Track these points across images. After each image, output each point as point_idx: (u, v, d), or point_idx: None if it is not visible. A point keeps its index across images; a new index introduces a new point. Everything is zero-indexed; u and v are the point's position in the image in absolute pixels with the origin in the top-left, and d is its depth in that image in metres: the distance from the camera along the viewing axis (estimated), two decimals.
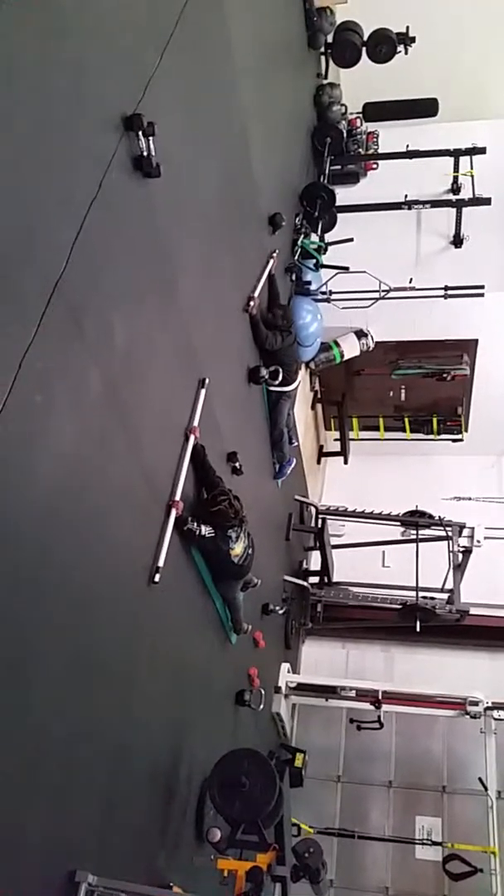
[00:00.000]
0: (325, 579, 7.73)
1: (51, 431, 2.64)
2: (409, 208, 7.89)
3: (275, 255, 6.20)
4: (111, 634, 3.20)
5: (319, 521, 7.79)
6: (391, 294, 7.27)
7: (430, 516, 7.55)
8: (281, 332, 5.99)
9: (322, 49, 8.52)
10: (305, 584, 7.53)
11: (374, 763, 7.75)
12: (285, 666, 6.96)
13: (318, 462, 9.72)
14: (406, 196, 7.88)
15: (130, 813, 3.46)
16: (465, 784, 7.37)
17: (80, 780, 2.88)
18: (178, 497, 3.95)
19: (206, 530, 4.14)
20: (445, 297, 7.35)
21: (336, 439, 9.74)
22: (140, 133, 3.19)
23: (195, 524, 4.05)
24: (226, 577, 4.62)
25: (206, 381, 4.49)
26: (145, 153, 3.24)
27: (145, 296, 3.56)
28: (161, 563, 3.66)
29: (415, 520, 7.56)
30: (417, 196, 8.00)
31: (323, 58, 8.71)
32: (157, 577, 3.62)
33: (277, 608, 6.34)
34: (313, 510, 8.08)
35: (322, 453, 9.85)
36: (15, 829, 2.38)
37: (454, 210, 7.91)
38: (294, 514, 7.83)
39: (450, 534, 7.34)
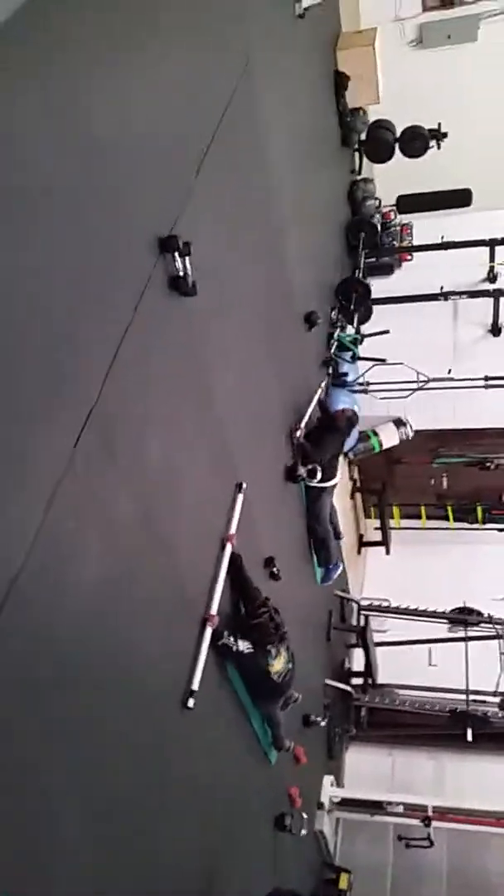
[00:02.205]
0: (369, 681, 7.35)
1: (81, 562, 2.53)
2: (446, 299, 7.84)
3: (322, 385, 6.39)
4: (137, 761, 2.98)
5: (362, 619, 7.47)
6: (430, 385, 7.15)
7: (479, 613, 7.20)
8: (341, 435, 5.97)
9: (356, 146, 8.72)
10: (349, 688, 7.16)
11: (424, 883, 7.16)
12: (328, 779, 6.55)
13: (359, 552, 9.45)
14: (442, 287, 7.85)
15: None
16: None
17: None
18: (213, 611, 3.78)
19: (243, 646, 3.93)
20: (486, 387, 7.20)
21: (377, 528, 9.48)
22: (176, 254, 3.18)
23: (231, 639, 3.85)
24: (265, 695, 4.37)
25: (244, 485, 4.37)
26: (181, 273, 3.22)
27: (181, 410, 3.49)
28: (196, 685, 3.46)
29: (463, 617, 7.21)
30: (453, 286, 7.95)
31: (357, 154, 8.91)
32: (191, 702, 3.41)
33: (319, 719, 5.98)
34: (355, 606, 7.77)
35: (362, 543, 9.57)
36: None
37: (492, 299, 7.84)
38: (334, 610, 7.53)
39: (500, 633, 6.97)
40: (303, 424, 5.67)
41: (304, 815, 5.14)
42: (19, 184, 2.16)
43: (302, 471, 5.60)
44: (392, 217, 8.80)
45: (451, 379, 7.16)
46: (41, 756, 2.29)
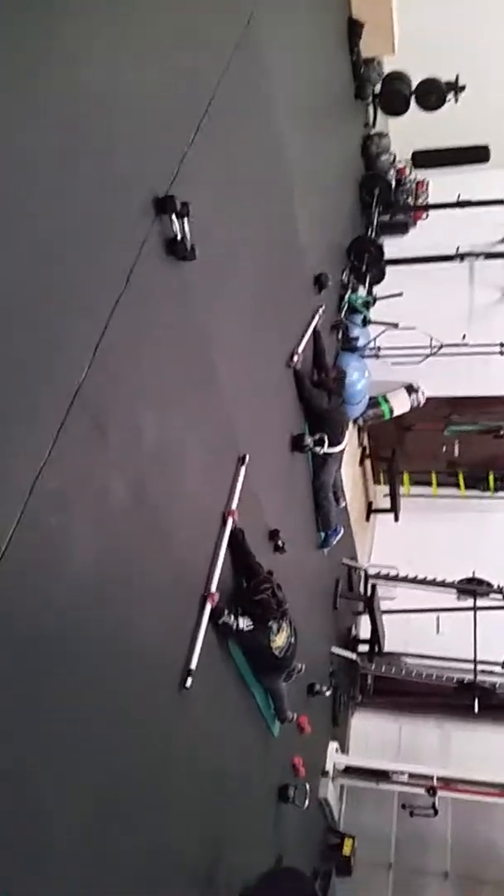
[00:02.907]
0: (376, 649, 7.30)
1: (70, 549, 2.40)
2: (462, 260, 7.57)
3: (321, 310, 5.95)
4: (138, 740, 2.92)
5: (369, 587, 7.39)
6: (443, 350, 6.94)
7: (489, 584, 7.10)
8: (330, 393, 5.73)
9: (370, 99, 8.36)
10: (355, 657, 7.10)
11: (428, 850, 7.22)
12: (333, 745, 6.55)
13: (368, 519, 9.34)
14: (458, 248, 7.57)
15: None
16: None
17: None
18: (213, 588, 3.68)
19: (244, 623, 3.84)
20: (502, 353, 6.98)
21: (386, 495, 9.35)
22: (173, 215, 2.99)
23: (231, 617, 3.76)
24: (267, 670, 4.30)
25: (247, 457, 4.23)
26: (179, 236, 3.03)
27: (180, 382, 3.33)
28: (194, 664, 3.37)
29: (472, 587, 7.11)
30: (470, 246, 7.68)
31: (371, 107, 8.54)
32: (188, 682, 3.33)
33: (324, 689, 5.92)
34: (362, 574, 7.69)
35: (371, 510, 9.46)
36: None
37: None
38: (342, 578, 7.45)
39: None
40: (300, 350, 5.40)
41: (308, 787, 5.12)
42: None
43: (309, 440, 5.46)
44: (407, 173, 8.46)
45: (466, 344, 6.96)
46: (38, 740, 2.21)
